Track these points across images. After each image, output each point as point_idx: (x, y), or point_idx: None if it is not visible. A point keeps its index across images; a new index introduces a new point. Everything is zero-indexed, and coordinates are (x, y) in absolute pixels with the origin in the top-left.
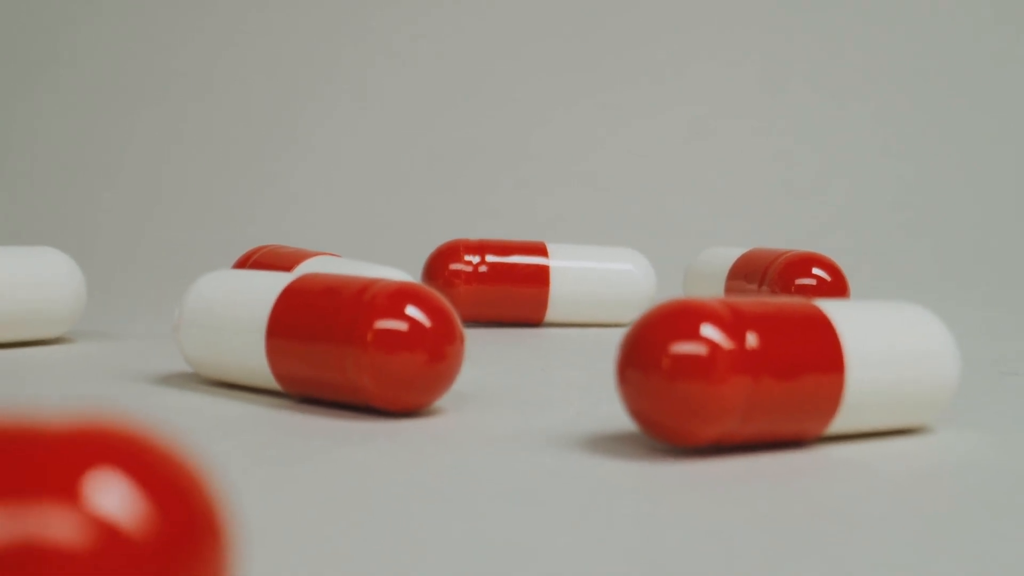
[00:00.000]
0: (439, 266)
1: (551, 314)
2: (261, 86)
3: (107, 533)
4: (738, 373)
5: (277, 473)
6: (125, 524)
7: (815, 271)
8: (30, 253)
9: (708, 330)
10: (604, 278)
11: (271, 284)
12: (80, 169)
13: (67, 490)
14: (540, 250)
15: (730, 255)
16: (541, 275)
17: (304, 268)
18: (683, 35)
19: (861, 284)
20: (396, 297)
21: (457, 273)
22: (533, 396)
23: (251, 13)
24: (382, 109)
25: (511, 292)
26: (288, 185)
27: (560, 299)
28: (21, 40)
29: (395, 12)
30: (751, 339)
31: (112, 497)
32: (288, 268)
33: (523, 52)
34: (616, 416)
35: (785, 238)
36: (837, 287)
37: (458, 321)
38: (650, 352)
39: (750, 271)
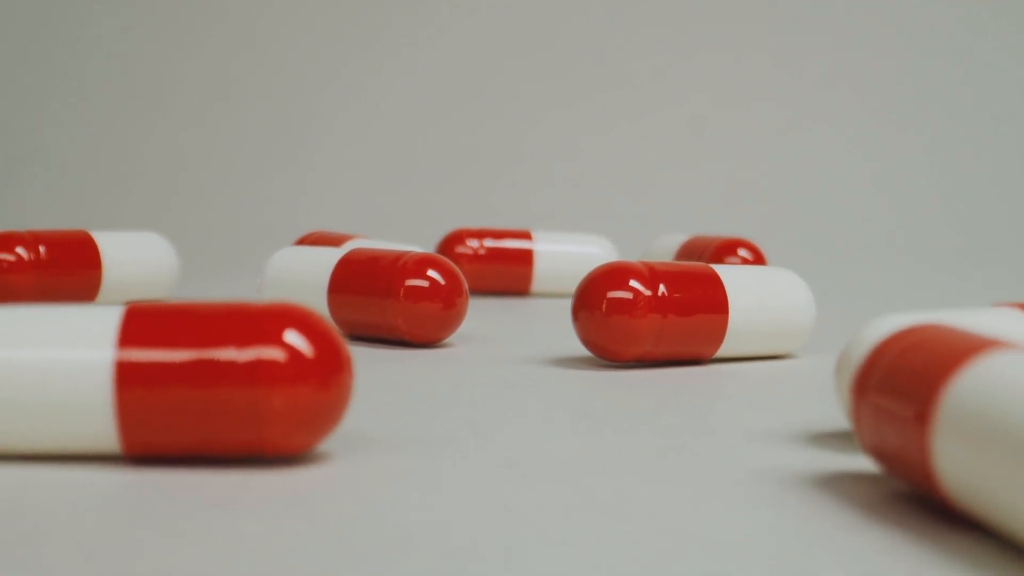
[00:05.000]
0: (446, 249)
1: (535, 287)
2: (292, 102)
3: (293, 354)
4: (652, 312)
5: None
6: (303, 351)
7: (740, 252)
8: (137, 236)
9: (633, 282)
10: (576, 259)
11: (329, 256)
12: (154, 172)
13: (272, 333)
14: (527, 236)
15: (677, 240)
16: (527, 257)
17: (351, 245)
18: (655, 49)
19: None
20: (421, 263)
21: (461, 255)
22: (517, 337)
23: (273, 38)
24: (396, 119)
25: (504, 270)
26: (314, 184)
27: (542, 276)
28: (78, 46)
29: (402, 27)
30: (662, 288)
31: (294, 336)
32: (338, 245)
33: (515, 68)
34: (571, 345)
35: (727, 228)
36: (757, 264)
37: (464, 282)
38: (593, 297)
39: (691, 252)
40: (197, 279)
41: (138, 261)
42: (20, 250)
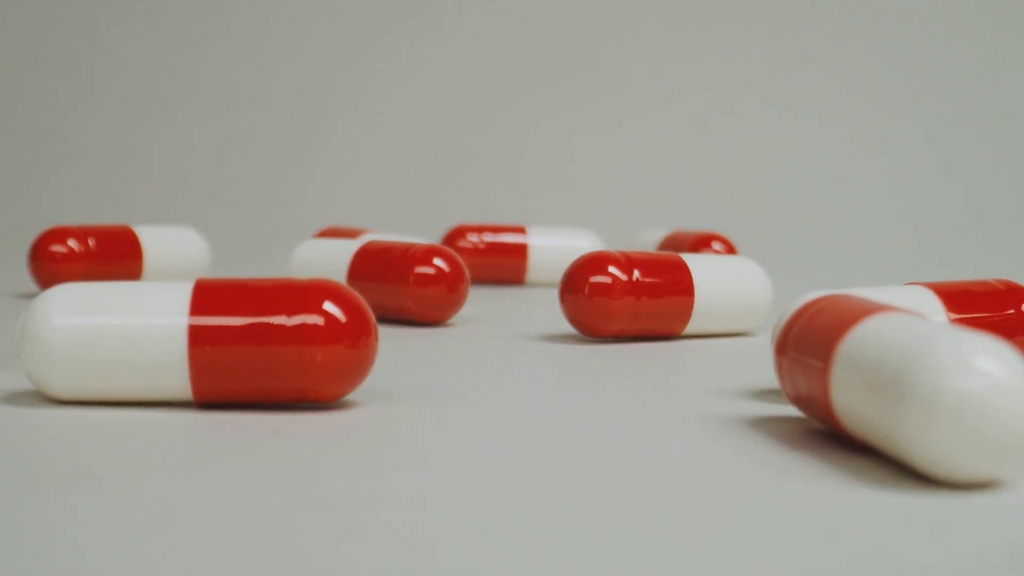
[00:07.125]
0: (449, 243)
1: (529, 277)
2: (306, 109)
3: (331, 320)
4: (628, 294)
5: None
6: (338, 317)
7: (714, 245)
8: (174, 230)
9: (611, 268)
10: (567, 252)
11: (348, 247)
12: (178, 174)
13: (314, 303)
14: (522, 231)
15: (659, 234)
16: (522, 249)
17: (366, 238)
18: (646, 54)
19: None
20: (428, 253)
21: (463, 248)
22: (512, 318)
23: (281, 47)
24: (402, 123)
25: (501, 261)
26: (327, 184)
27: (536, 267)
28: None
29: (404, 32)
30: (637, 274)
31: (332, 306)
32: (354, 238)
33: (511, 77)
34: (559, 324)
35: (708, 224)
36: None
37: (466, 269)
38: (577, 281)
39: (671, 246)
40: (226, 269)
41: (175, 252)
42: (72, 242)
